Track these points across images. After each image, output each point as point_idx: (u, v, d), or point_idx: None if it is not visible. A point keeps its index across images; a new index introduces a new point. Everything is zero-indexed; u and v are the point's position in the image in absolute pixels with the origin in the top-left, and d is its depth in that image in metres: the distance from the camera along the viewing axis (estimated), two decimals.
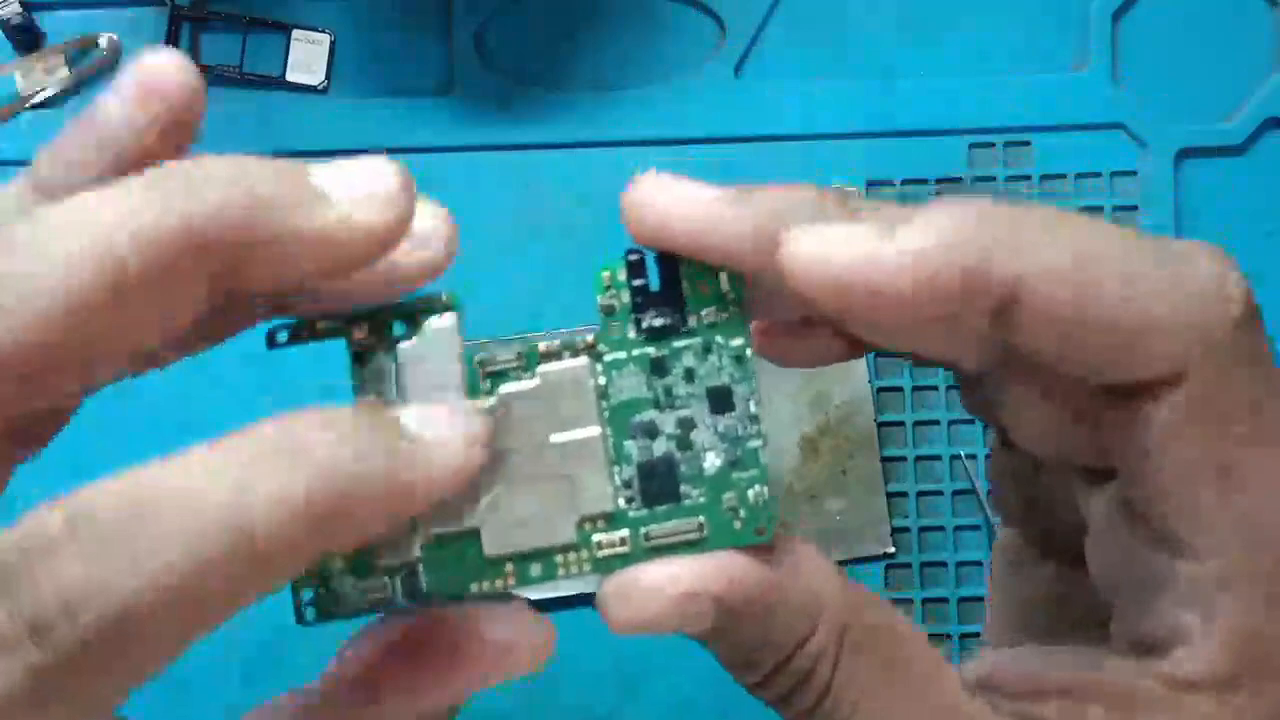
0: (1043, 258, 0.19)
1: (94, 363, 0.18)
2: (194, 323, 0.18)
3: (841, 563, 0.44)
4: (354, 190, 0.19)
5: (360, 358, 0.20)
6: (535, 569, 0.21)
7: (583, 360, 0.21)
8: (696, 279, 0.21)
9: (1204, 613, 0.19)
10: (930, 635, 0.44)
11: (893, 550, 0.44)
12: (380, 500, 0.17)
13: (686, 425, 0.21)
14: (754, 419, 0.21)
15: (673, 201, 0.20)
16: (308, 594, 0.20)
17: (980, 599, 0.44)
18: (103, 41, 0.45)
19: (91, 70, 0.45)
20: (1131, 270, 0.19)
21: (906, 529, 0.44)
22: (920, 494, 0.45)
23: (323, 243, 0.18)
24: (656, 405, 0.21)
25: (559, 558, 0.21)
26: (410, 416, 0.18)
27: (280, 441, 0.17)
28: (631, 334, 0.21)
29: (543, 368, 0.21)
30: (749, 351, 0.21)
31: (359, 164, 0.19)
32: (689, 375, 0.21)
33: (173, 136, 0.20)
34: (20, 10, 0.44)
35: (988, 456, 0.32)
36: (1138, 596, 0.21)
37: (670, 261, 0.21)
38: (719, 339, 0.21)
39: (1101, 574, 0.21)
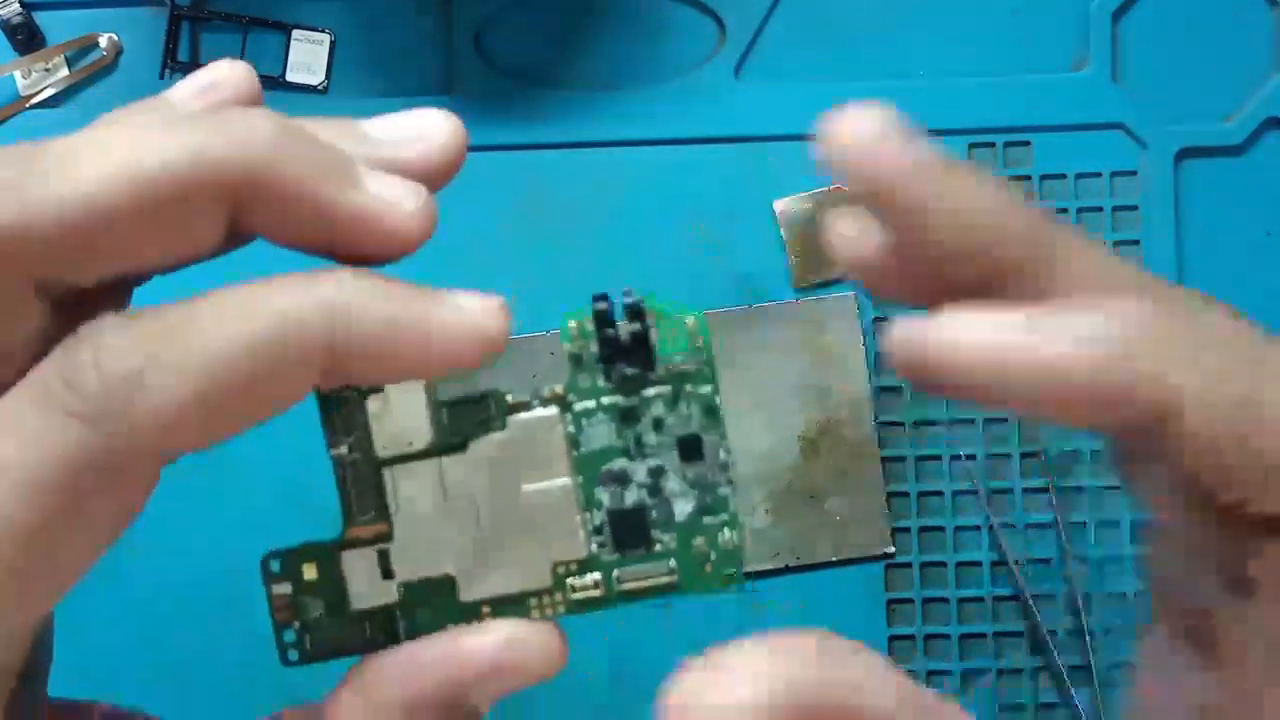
0: (1199, 378, 0.17)
1: (117, 260, 0.19)
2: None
3: (841, 563, 0.44)
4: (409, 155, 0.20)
5: (327, 403, 0.20)
6: (511, 611, 0.21)
7: (552, 410, 0.21)
8: (665, 328, 0.21)
9: None
10: (929, 636, 0.45)
11: (893, 550, 0.44)
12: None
13: (657, 474, 0.21)
14: (724, 467, 0.21)
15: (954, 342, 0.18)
16: (289, 636, 0.21)
17: (980, 599, 0.44)
18: (103, 41, 0.45)
19: (91, 70, 0.45)
20: None
21: (906, 529, 0.44)
22: (920, 494, 0.45)
23: (360, 223, 0.19)
24: (627, 454, 0.21)
25: (534, 600, 0.21)
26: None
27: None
28: (600, 383, 0.21)
29: (513, 418, 0.21)
30: (718, 400, 0.21)
31: (411, 119, 0.20)
32: (658, 424, 0.21)
33: None
34: (20, 10, 0.44)
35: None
36: None
37: (637, 310, 0.21)
38: (688, 387, 0.21)
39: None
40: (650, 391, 0.21)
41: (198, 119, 0.19)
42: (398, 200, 0.19)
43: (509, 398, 0.21)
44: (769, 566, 0.44)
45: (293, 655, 0.21)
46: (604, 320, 0.21)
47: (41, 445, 0.17)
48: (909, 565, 0.44)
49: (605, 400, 0.21)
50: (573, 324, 0.21)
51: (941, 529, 0.44)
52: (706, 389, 0.21)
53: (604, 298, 0.21)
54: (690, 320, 0.21)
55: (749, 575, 0.44)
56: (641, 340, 0.21)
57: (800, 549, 0.44)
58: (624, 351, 0.21)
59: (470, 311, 0.19)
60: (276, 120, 0.19)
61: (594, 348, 0.21)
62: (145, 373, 0.17)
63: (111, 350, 0.17)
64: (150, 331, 0.18)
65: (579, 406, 0.21)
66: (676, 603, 0.44)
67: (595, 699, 0.44)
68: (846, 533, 0.44)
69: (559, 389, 0.21)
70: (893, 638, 0.44)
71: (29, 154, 0.18)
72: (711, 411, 0.21)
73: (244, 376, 0.18)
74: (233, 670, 0.43)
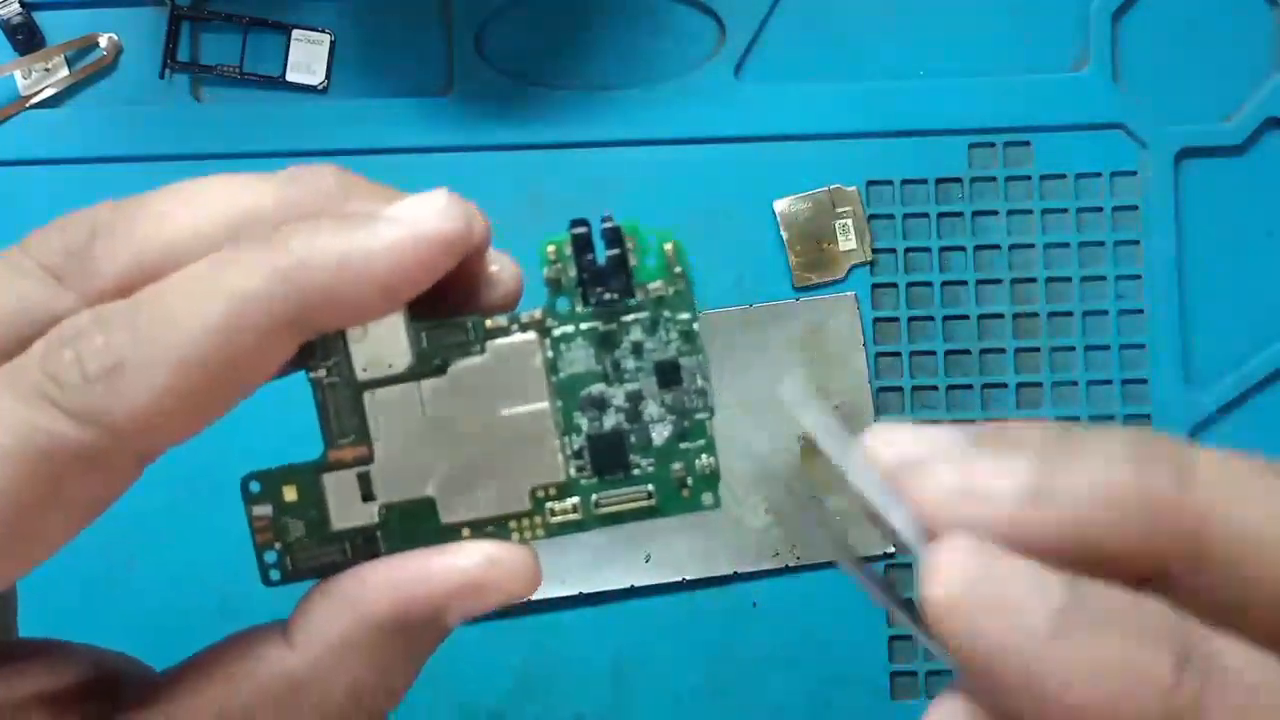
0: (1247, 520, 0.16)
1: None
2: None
3: None
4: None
5: None
6: (491, 534, 0.21)
7: (530, 335, 0.21)
8: (644, 253, 0.21)
9: None
10: None
11: (893, 550, 0.44)
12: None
13: (635, 398, 0.21)
14: (701, 393, 0.21)
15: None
16: (270, 556, 0.21)
17: None
18: (103, 41, 0.45)
19: (91, 70, 0.45)
20: None
21: None
22: None
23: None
24: (605, 379, 0.21)
25: (513, 524, 0.21)
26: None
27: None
28: (579, 308, 0.21)
29: (491, 343, 0.21)
30: (696, 326, 0.21)
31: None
32: (637, 350, 0.21)
33: None
34: (20, 10, 0.44)
35: None
36: None
37: (616, 234, 0.21)
38: (667, 313, 0.21)
39: None
40: (629, 317, 0.21)
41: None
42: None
43: (488, 322, 0.21)
44: (769, 566, 0.44)
45: (274, 575, 0.21)
46: (582, 245, 0.21)
47: (22, 430, 0.18)
48: (909, 565, 0.44)
49: (584, 325, 0.21)
50: (550, 248, 0.21)
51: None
52: (685, 315, 0.21)
53: (582, 223, 0.21)
54: (669, 246, 0.21)
55: (750, 575, 0.44)
56: (620, 265, 0.21)
57: (800, 549, 0.44)
58: (602, 276, 0.21)
59: (416, 221, 0.19)
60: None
61: (572, 272, 0.21)
62: (123, 370, 0.18)
63: (92, 348, 0.18)
64: (126, 327, 0.18)
65: (557, 331, 0.21)
66: (677, 604, 0.44)
67: (595, 699, 0.44)
68: (847, 533, 0.44)
69: (537, 314, 0.21)
70: (893, 638, 0.44)
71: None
72: (690, 337, 0.21)
73: (216, 366, 0.18)
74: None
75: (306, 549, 0.21)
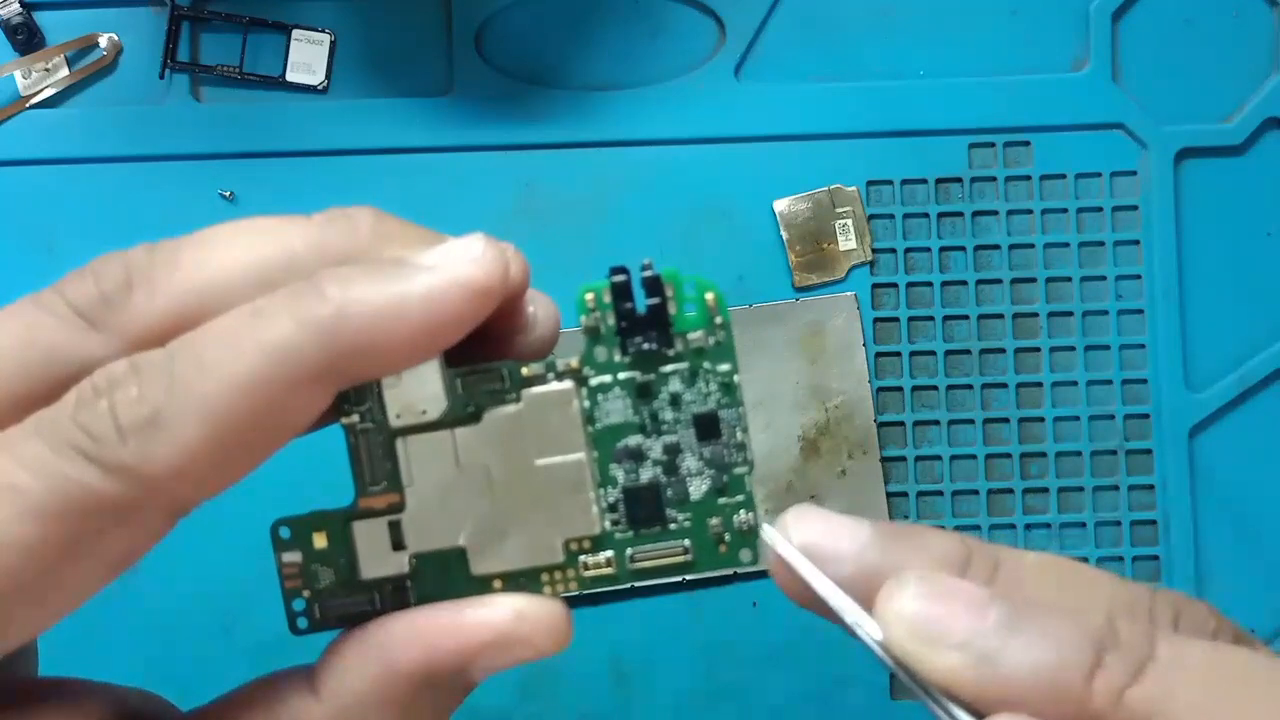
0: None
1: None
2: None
3: None
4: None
5: None
6: (523, 587, 0.21)
7: (567, 384, 0.20)
8: (683, 302, 0.20)
9: None
10: None
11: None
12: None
13: (673, 451, 0.21)
14: (741, 447, 0.21)
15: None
16: (299, 604, 0.21)
17: None
18: (103, 41, 0.45)
19: (91, 70, 0.45)
20: None
21: None
22: (920, 494, 0.45)
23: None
24: (643, 430, 0.21)
25: (545, 576, 0.21)
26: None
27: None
28: (617, 357, 0.20)
29: (527, 391, 0.20)
30: (736, 378, 0.21)
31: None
32: (675, 401, 0.21)
33: None
34: (20, 10, 0.44)
35: None
36: None
37: (656, 283, 0.20)
38: (706, 364, 0.21)
39: None
40: (668, 368, 0.20)
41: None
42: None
43: (523, 369, 0.20)
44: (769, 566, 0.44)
45: (302, 623, 0.21)
46: (621, 292, 0.20)
47: (53, 482, 0.17)
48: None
49: (622, 375, 0.20)
50: (589, 295, 0.20)
51: (941, 529, 0.44)
52: (725, 367, 0.21)
53: (622, 270, 0.20)
54: (710, 295, 0.20)
55: (750, 575, 0.44)
56: (659, 314, 0.20)
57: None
58: (641, 325, 0.20)
59: (453, 270, 0.19)
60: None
61: (610, 320, 0.20)
62: (157, 423, 0.18)
63: (127, 399, 0.18)
64: (161, 379, 0.18)
65: (595, 381, 0.20)
66: (677, 604, 0.44)
67: (596, 699, 0.44)
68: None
69: (574, 362, 0.20)
70: None
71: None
72: (730, 389, 0.21)
73: (251, 418, 0.18)
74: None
75: (335, 597, 0.21)
